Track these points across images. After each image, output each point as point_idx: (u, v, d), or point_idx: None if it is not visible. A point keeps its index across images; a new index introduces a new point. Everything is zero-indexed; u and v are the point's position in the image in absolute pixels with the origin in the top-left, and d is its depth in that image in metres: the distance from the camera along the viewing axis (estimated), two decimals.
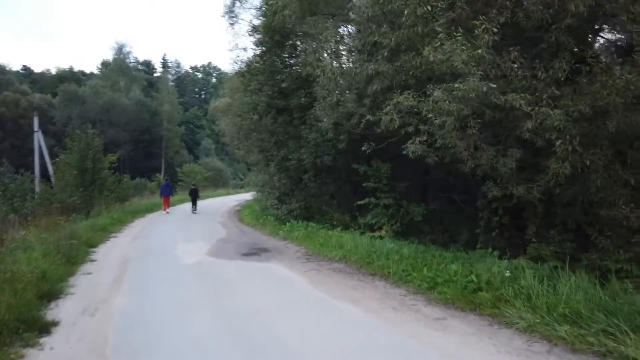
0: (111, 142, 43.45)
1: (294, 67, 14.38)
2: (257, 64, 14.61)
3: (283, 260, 9.73)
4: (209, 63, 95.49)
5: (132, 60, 67.52)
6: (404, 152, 6.91)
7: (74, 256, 9.88)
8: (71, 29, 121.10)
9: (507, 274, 6.06)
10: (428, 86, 6.05)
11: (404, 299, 6.43)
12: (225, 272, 8.85)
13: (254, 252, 11.01)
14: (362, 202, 11.68)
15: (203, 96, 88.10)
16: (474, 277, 6.29)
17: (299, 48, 14.19)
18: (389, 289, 7.02)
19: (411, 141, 6.43)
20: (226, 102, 21.73)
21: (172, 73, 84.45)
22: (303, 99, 13.01)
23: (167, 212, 22.99)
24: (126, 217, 19.63)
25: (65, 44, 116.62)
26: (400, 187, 11.98)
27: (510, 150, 6.29)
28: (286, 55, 14.46)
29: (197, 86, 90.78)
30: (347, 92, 8.59)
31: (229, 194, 44.62)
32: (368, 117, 7.68)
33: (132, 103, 55.06)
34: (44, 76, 66.12)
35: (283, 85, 13.79)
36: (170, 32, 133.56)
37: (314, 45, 11.91)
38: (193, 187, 25.16)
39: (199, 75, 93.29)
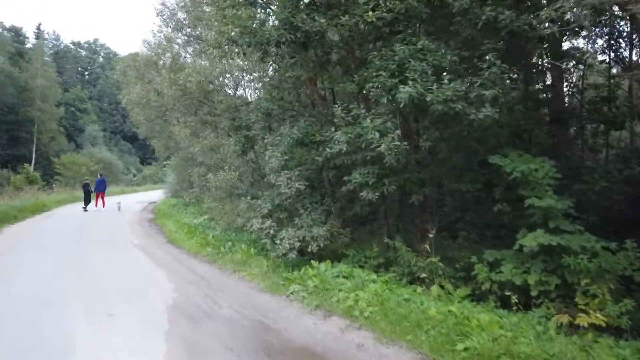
0: None
1: None
2: None
3: None
4: (95, 40, 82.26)
5: None
6: None
7: None
8: None
9: None
10: None
11: None
12: None
13: None
14: (526, 242, 5.29)
15: (87, 76, 74.83)
16: None
17: None
18: None
19: None
20: (151, 53, 13.66)
21: (50, 46, 69.79)
22: (362, 18, 5.95)
23: (98, 210, 19.88)
24: None
25: None
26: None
27: None
28: None
29: (80, 64, 76.64)
30: None
31: (123, 192, 35.26)
32: None
33: None
34: None
35: None
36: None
37: None
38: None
39: (83, 52, 79.37)
